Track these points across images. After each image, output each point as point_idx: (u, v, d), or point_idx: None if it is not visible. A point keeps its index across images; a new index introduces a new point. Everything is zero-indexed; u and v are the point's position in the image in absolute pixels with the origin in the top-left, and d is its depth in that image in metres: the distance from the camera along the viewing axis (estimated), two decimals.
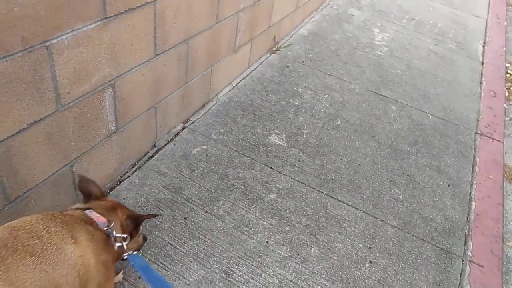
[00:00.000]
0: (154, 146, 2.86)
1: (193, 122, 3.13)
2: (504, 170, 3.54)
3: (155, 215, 1.88)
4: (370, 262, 2.45)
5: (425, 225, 2.75)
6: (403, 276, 2.42)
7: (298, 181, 2.83)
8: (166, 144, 2.90)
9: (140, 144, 2.73)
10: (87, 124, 2.16)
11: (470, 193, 3.10)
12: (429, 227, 2.75)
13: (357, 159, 3.14)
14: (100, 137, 2.31)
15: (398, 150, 3.32)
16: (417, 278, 2.42)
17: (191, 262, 2.20)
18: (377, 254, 2.50)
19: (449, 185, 3.11)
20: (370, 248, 2.52)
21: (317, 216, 2.62)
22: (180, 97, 2.94)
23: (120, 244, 1.62)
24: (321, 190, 2.81)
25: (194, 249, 2.26)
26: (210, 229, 2.38)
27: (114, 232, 1.60)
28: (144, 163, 2.73)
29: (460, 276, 2.50)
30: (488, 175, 3.34)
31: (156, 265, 2.16)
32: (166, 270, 2.14)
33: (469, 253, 2.66)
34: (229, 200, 2.58)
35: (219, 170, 2.76)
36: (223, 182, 2.68)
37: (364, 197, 2.84)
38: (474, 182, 3.21)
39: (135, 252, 1.72)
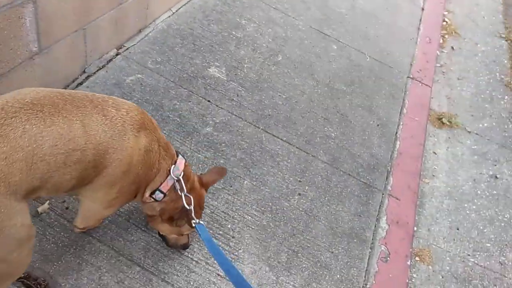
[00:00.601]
0: (84, 72, 2.67)
1: (127, 49, 2.94)
2: (429, 113, 3.79)
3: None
4: (299, 194, 2.58)
5: (353, 161, 2.92)
6: (328, 207, 2.59)
7: (235, 115, 2.83)
8: (97, 71, 2.72)
9: (67, 69, 2.54)
10: (4, 42, 1.95)
11: (396, 133, 3.30)
12: (355, 163, 2.92)
13: (295, 96, 3.18)
14: (20, 58, 2.11)
15: (334, 89, 3.40)
16: (340, 209, 2.61)
17: None
18: (306, 187, 2.63)
19: (378, 125, 3.28)
20: (300, 181, 2.65)
21: (251, 150, 2.67)
22: (113, 20, 2.72)
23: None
24: (257, 125, 2.84)
25: None
26: None
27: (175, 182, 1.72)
28: (72, 90, 2.56)
29: (379, 208, 2.73)
30: (414, 117, 3.56)
31: None
32: None
33: (389, 188, 2.89)
34: (164, 131, 2.53)
35: (154, 101, 2.67)
36: (158, 114, 2.61)
37: (299, 133, 2.92)
38: (401, 123, 3.42)
39: (201, 222, 1.76)
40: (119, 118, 1.50)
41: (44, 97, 1.38)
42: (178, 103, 2.72)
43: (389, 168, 3.01)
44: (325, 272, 2.28)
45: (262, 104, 2.99)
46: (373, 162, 2.99)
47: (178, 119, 2.63)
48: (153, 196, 1.72)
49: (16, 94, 1.36)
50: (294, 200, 2.53)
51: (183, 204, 1.72)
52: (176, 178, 1.70)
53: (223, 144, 2.62)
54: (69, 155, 1.38)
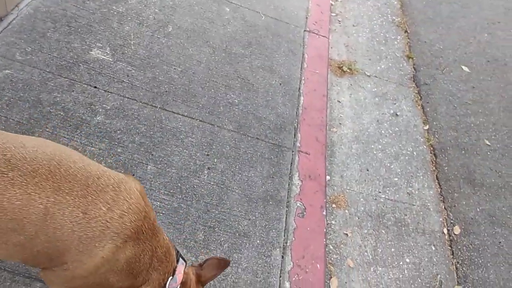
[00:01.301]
0: None
1: None
2: (329, 63, 3.87)
3: None
4: (208, 168, 2.51)
5: (259, 124, 2.90)
6: (240, 175, 2.56)
7: (128, 98, 2.64)
8: None
9: None
10: None
11: (299, 89, 3.33)
12: (263, 126, 2.90)
13: (191, 67, 3.04)
14: None
15: (232, 54, 3.31)
16: (252, 175, 2.60)
17: None
18: (215, 160, 2.57)
19: (280, 84, 3.27)
20: (208, 155, 2.58)
21: (151, 132, 2.53)
22: None
23: None
24: (154, 105, 2.68)
25: None
26: None
27: None
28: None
29: (290, 166, 2.77)
30: (315, 69, 3.60)
31: None
32: None
33: (298, 144, 2.93)
34: (47, 130, 2.29)
35: (30, 97, 2.39)
36: (36, 111, 2.34)
37: (200, 105, 2.82)
38: (303, 78, 3.44)
39: None
40: (103, 222, 1.26)
41: (34, 160, 1.20)
42: (59, 95, 2.46)
43: (295, 125, 3.04)
44: (244, 241, 2.28)
45: (156, 81, 2.82)
46: (280, 121, 2.99)
47: (61, 113, 2.39)
48: None
49: (20, 144, 1.22)
50: (204, 176, 2.46)
51: None
52: None
53: (118, 132, 2.44)
54: (5, 233, 1.16)
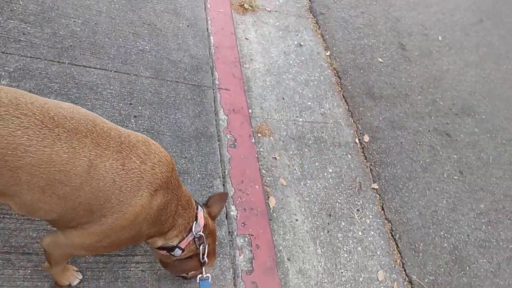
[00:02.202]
0: None
1: None
2: (231, 2, 3.90)
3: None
4: (135, 116, 2.50)
5: (175, 68, 2.91)
6: (167, 119, 2.59)
7: (31, 57, 2.45)
8: None
9: None
10: None
11: (207, 29, 3.35)
12: (179, 69, 2.92)
13: (92, 17, 2.88)
14: None
15: (132, 0, 3.18)
16: (180, 116, 2.65)
17: None
18: (139, 108, 2.56)
19: (188, 26, 3.26)
20: (131, 104, 2.55)
21: (66, 89, 2.41)
22: None
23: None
24: (61, 61, 2.53)
25: None
26: None
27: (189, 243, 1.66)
28: None
29: (214, 103, 2.86)
30: (219, 9, 3.63)
31: None
32: None
33: (217, 82, 3.01)
34: None
35: None
36: None
37: (111, 56, 2.72)
38: (209, 18, 3.46)
39: (208, 277, 1.73)
40: (138, 172, 1.36)
41: (73, 119, 1.29)
42: None
43: (211, 64, 3.10)
44: (186, 177, 2.38)
45: (58, 36, 2.64)
46: (195, 62, 3.02)
47: None
48: (172, 252, 1.66)
49: (58, 106, 1.31)
50: (132, 124, 2.45)
51: (200, 258, 1.69)
52: (197, 235, 1.65)
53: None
54: (52, 185, 1.22)
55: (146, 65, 2.79)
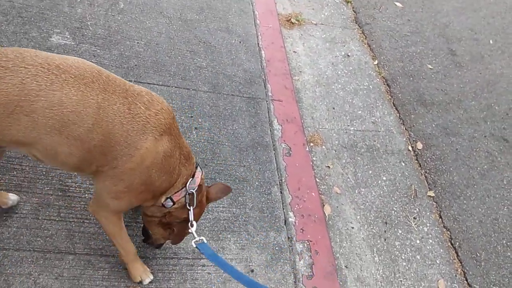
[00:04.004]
0: None
1: None
2: (279, 18, 4.04)
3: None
4: (196, 128, 2.65)
5: (231, 82, 3.05)
6: (225, 130, 2.72)
7: None
8: None
9: None
10: None
11: (258, 44, 3.49)
12: (234, 82, 3.05)
13: (153, 38, 3.09)
14: None
15: (188, 21, 3.38)
16: (237, 127, 2.77)
17: None
18: (199, 120, 2.71)
19: (240, 42, 3.41)
20: (191, 117, 2.70)
21: None
22: None
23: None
24: (128, 79, 2.73)
25: None
26: None
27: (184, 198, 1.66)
28: None
29: (268, 114, 2.96)
30: (268, 24, 3.76)
31: None
32: None
33: (270, 94, 3.12)
34: None
35: None
36: None
37: (172, 73, 2.90)
38: (259, 33, 3.60)
39: (203, 241, 1.66)
40: (144, 117, 1.44)
41: (78, 68, 1.38)
42: None
43: (263, 77, 3.22)
44: (245, 185, 2.47)
45: (124, 57, 2.86)
46: (248, 76, 3.15)
47: None
48: (163, 202, 1.66)
49: (63, 57, 1.40)
50: (193, 135, 2.60)
51: (189, 218, 1.66)
52: (190, 191, 1.65)
53: None
54: (67, 125, 1.34)
55: (203, 80, 2.95)
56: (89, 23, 2.97)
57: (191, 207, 1.66)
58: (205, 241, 1.65)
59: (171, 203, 1.66)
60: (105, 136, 1.40)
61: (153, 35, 3.11)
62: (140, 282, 1.93)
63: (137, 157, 1.45)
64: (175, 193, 1.65)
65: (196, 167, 1.70)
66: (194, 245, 1.65)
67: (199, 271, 2.07)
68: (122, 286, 1.93)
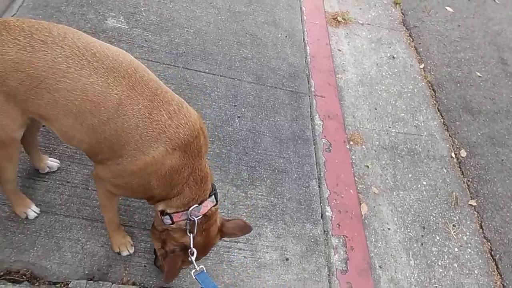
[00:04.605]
0: None
1: None
2: (325, 15, 4.02)
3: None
4: (238, 117, 2.68)
5: (275, 75, 3.07)
6: (267, 121, 2.74)
7: (151, 61, 2.76)
8: None
9: None
10: None
11: (303, 40, 3.49)
12: (278, 76, 3.07)
13: (202, 28, 3.16)
14: None
15: (236, 13, 3.43)
16: (278, 119, 2.78)
17: None
18: (242, 109, 2.74)
19: (286, 36, 3.42)
20: (235, 105, 2.74)
21: (180, 90, 2.67)
22: None
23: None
24: (176, 65, 2.81)
25: None
26: None
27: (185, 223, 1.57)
28: None
29: (310, 108, 2.96)
30: (314, 21, 3.76)
31: None
32: None
33: (313, 89, 3.12)
34: None
35: None
36: None
37: (218, 62, 2.96)
38: (305, 29, 3.60)
39: (203, 269, 1.57)
40: (162, 126, 1.39)
41: (115, 60, 1.38)
42: None
43: (307, 72, 3.22)
44: (284, 176, 2.49)
45: (173, 44, 2.94)
46: (292, 70, 3.16)
47: None
48: (163, 216, 1.58)
49: (105, 46, 1.41)
50: (236, 124, 2.63)
51: (189, 244, 1.56)
52: (190, 218, 1.54)
53: None
54: (84, 113, 1.35)
55: (248, 71, 2.99)
56: (142, 9, 3.07)
57: (191, 234, 1.55)
58: (205, 270, 1.56)
59: (169, 221, 1.56)
60: (117, 133, 1.38)
61: (202, 24, 3.18)
62: (119, 253, 1.92)
63: (141, 162, 1.41)
64: (176, 212, 1.55)
65: (210, 196, 1.59)
66: (194, 277, 1.54)
67: (235, 254, 2.10)
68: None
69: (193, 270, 1.55)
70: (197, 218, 1.55)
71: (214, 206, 1.60)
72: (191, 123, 1.45)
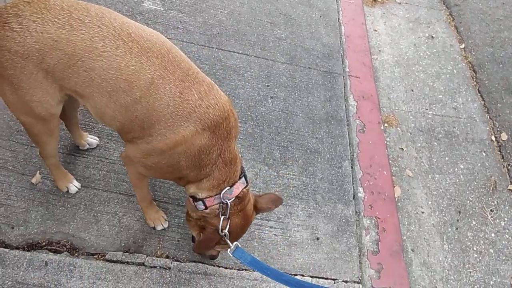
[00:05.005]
0: None
1: None
2: None
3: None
4: (271, 97, 2.69)
5: (308, 55, 3.04)
6: (300, 101, 2.73)
7: (186, 41, 2.80)
8: None
9: None
10: None
11: (338, 19, 3.43)
12: (312, 56, 3.04)
13: (236, 8, 3.16)
14: None
15: None
16: (311, 100, 2.77)
17: None
18: (275, 90, 2.74)
19: (320, 16, 3.37)
20: (268, 86, 2.74)
21: (214, 70, 2.70)
22: None
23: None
24: (210, 46, 2.83)
25: None
26: None
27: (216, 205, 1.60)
28: None
29: (344, 89, 2.92)
30: (350, 0, 3.67)
31: None
32: None
33: (347, 69, 3.07)
34: None
35: None
36: None
37: (252, 42, 2.96)
38: (340, 9, 3.53)
39: (238, 246, 1.61)
40: (193, 106, 1.42)
41: (149, 41, 1.41)
42: None
43: (342, 52, 3.17)
44: (316, 156, 2.49)
45: (207, 25, 2.96)
46: (327, 50, 3.12)
47: None
48: (195, 203, 1.61)
49: (140, 27, 1.44)
50: (269, 104, 2.64)
51: (223, 227, 1.58)
52: (223, 202, 1.57)
53: None
54: (117, 91, 1.39)
55: (282, 51, 2.97)
56: None
57: (223, 216, 1.57)
58: (239, 246, 1.60)
59: (203, 207, 1.59)
60: (149, 111, 1.41)
61: (235, 5, 3.18)
62: (153, 228, 1.98)
63: (171, 141, 1.43)
64: (209, 197, 1.58)
65: (240, 178, 1.60)
66: (231, 255, 1.59)
67: (266, 231, 2.14)
68: None
69: (229, 249, 1.60)
70: (230, 201, 1.57)
71: (245, 187, 1.62)
72: (221, 104, 1.47)
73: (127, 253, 1.89)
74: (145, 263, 1.88)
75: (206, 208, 1.59)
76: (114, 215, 1.98)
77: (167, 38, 2.68)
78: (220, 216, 1.58)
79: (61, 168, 1.95)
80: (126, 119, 1.45)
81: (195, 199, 1.61)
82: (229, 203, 1.56)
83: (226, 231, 1.58)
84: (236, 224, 1.63)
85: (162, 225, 2.00)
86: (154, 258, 1.91)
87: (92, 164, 2.11)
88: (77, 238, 1.90)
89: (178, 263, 1.92)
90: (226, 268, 1.98)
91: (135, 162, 1.59)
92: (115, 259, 1.86)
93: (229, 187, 1.56)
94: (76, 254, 1.86)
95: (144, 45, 1.40)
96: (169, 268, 1.89)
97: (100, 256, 1.87)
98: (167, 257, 1.94)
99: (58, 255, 1.82)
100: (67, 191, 1.99)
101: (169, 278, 1.87)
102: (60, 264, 1.79)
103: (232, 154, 1.56)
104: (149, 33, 1.45)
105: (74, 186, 1.99)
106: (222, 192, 1.56)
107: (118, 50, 1.36)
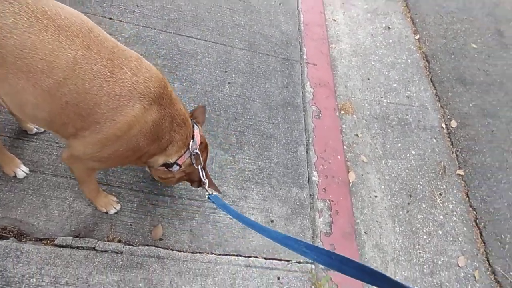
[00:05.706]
0: None
1: None
2: None
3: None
4: (229, 83, 2.69)
5: (267, 42, 3.06)
6: (258, 87, 2.75)
7: (142, 26, 2.75)
8: None
9: None
10: None
11: (297, 7, 3.46)
12: (270, 43, 3.06)
13: None
14: None
15: None
16: (269, 86, 2.79)
17: None
18: (233, 75, 2.74)
19: (280, 4, 3.39)
20: (226, 71, 2.74)
21: (171, 55, 2.67)
22: None
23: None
24: (168, 30, 2.79)
25: None
26: None
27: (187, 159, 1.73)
28: None
29: (301, 76, 2.96)
30: None
31: None
32: None
33: (305, 57, 3.11)
34: None
35: None
36: None
37: (210, 28, 2.94)
38: None
39: (214, 193, 1.75)
40: (129, 83, 1.38)
41: (67, 19, 1.33)
42: None
43: (300, 40, 3.21)
44: (272, 141, 2.52)
45: (165, 9, 2.92)
46: (285, 38, 3.15)
47: None
48: (170, 169, 1.71)
49: (58, 6, 1.35)
50: (226, 89, 2.64)
51: (199, 174, 1.74)
52: (194, 152, 1.70)
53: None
54: (35, 73, 1.29)
55: (240, 38, 2.97)
56: None
57: (199, 166, 1.72)
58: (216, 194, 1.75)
59: (178, 167, 1.72)
60: (80, 95, 1.34)
61: None
62: (106, 213, 1.97)
63: (123, 124, 1.40)
64: (179, 157, 1.68)
65: (193, 126, 1.72)
66: (207, 197, 1.72)
67: (221, 216, 2.16)
68: (148, 219, 2.04)
69: (206, 193, 1.73)
70: (197, 149, 1.71)
71: (199, 130, 1.76)
72: (155, 75, 1.46)
73: (77, 238, 1.86)
74: (96, 248, 1.85)
75: (181, 166, 1.72)
76: (64, 200, 1.94)
77: (123, 22, 2.63)
78: (196, 166, 1.73)
79: (6, 152, 1.88)
80: (55, 106, 1.36)
81: (168, 165, 1.70)
82: (199, 152, 1.71)
83: (206, 180, 1.75)
84: (206, 157, 1.83)
85: (115, 208, 1.98)
86: (105, 242, 1.88)
87: (41, 149, 2.05)
88: (24, 224, 1.84)
89: (130, 247, 1.91)
90: (179, 251, 1.98)
91: (84, 159, 1.53)
92: (64, 244, 1.82)
93: (192, 140, 1.69)
94: (24, 240, 1.81)
95: (62, 24, 1.31)
96: (121, 252, 1.87)
97: (49, 242, 1.83)
98: (119, 241, 1.92)
99: (4, 240, 1.77)
100: (15, 176, 1.92)
101: (121, 262, 1.85)
102: (6, 249, 1.74)
103: (182, 115, 1.62)
104: (68, 11, 1.38)
105: (21, 171, 1.93)
106: (190, 146, 1.68)
107: (32, 28, 1.28)
